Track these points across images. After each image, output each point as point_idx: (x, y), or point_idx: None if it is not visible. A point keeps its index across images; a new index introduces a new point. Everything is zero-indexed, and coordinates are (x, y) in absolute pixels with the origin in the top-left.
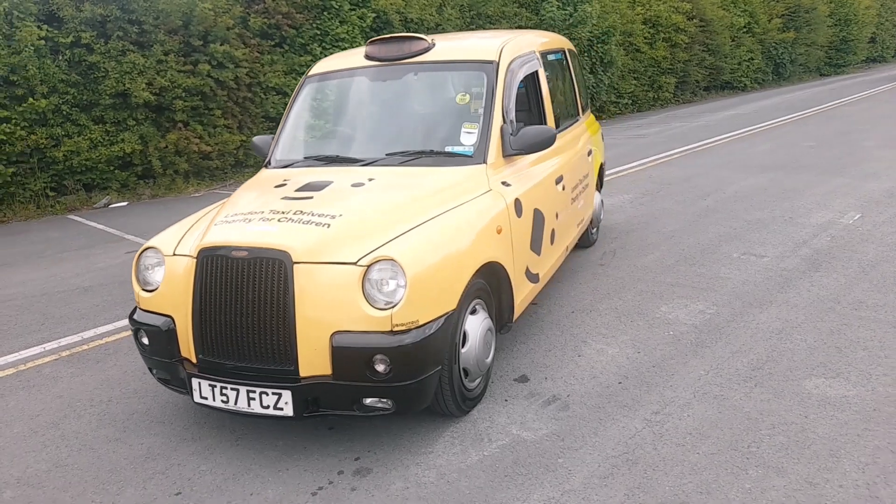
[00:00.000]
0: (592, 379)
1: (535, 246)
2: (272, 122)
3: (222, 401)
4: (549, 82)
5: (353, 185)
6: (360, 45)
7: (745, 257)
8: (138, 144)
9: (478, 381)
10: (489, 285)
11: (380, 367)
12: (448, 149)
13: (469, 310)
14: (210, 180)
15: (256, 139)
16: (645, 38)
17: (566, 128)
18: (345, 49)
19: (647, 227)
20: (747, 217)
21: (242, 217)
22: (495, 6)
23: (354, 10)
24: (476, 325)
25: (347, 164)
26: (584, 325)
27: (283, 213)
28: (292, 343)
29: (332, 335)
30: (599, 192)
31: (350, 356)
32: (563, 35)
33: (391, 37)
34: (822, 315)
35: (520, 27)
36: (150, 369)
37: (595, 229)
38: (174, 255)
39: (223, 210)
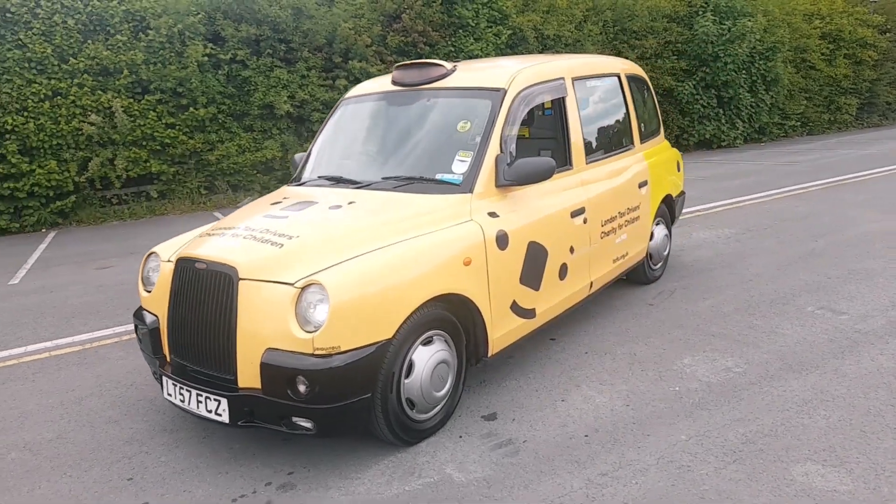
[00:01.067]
0: (561, 427)
1: (530, 280)
2: None
3: (180, 399)
4: (581, 110)
5: (331, 208)
6: None
7: (820, 312)
8: (279, 151)
9: (431, 413)
10: (458, 317)
11: (301, 388)
12: (438, 176)
13: (421, 340)
14: None
15: (296, 156)
16: (822, 54)
17: (603, 158)
18: None
19: (728, 267)
20: (853, 266)
21: (222, 231)
22: (642, 21)
23: (491, 27)
24: (425, 356)
25: (347, 185)
26: (589, 367)
27: (253, 230)
28: (233, 354)
29: (264, 351)
30: (667, 225)
31: (275, 374)
32: (719, 51)
33: (413, 62)
34: (868, 391)
35: (668, 42)
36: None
37: (659, 265)
38: (167, 260)
39: (218, 222)
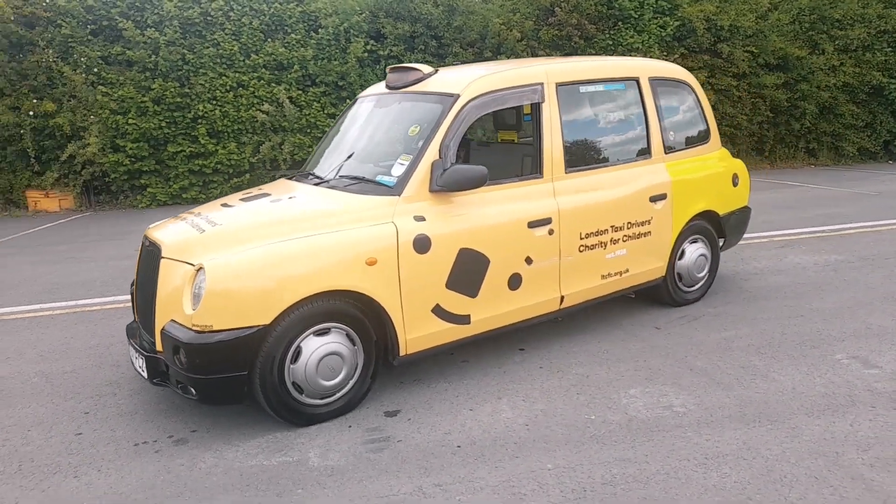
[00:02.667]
0: (443, 434)
1: (464, 286)
2: None
3: (132, 358)
4: (565, 116)
5: (272, 201)
6: (654, 55)
7: (848, 361)
8: None
9: (327, 399)
10: (367, 314)
11: (182, 358)
12: (377, 178)
13: (314, 330)
14: None
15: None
16: None
17: (595, 167)
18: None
19: (794, 298)
20: None
21: (184, 216)
22: (848, 7)
23: (657, 18)
24: (314, 346)
25: (313, 180)
26: (528, 382)
27: (200, 217)
28: (153, 321)
29: (168, 321)
30: (711, 244)
31: (167, 342)
32: None
33: (399, 66)
34: (804, 458)
35: (882, 32)
36: None
37: (695, 287)
38: None
39: (192, 209)
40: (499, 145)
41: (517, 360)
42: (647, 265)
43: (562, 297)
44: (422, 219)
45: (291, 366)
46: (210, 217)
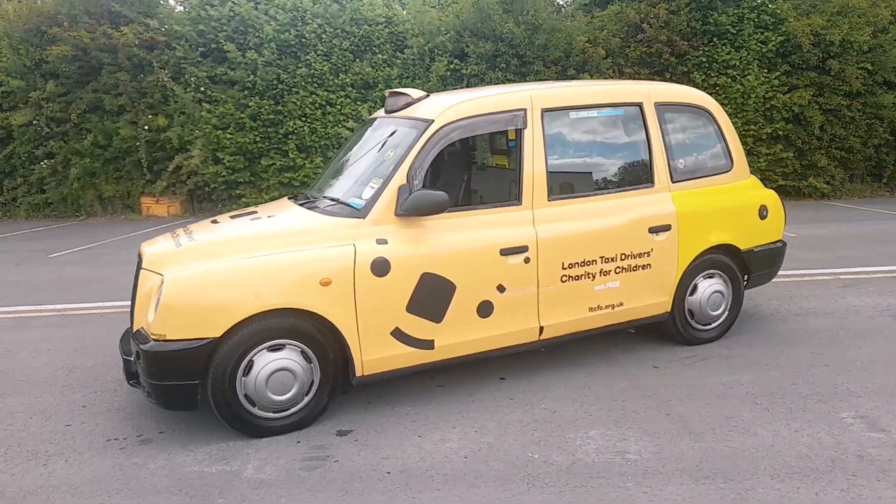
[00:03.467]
0: (381, 459)
1: (426, 311)
2: None
3: None
4: (551, 143)
5: (252, 220)
6: (753, 73)
7: (853, 422)
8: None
9: (280, 414)
10: (323, 333)
11: (141, 364)
12: (349, 200)
13: (268, 346)
14: None
15: None
16: None
17: (585, 195)
18: (732, 76)
19: (828, 345)
20: None
21: (177, 232)
22: None
23: (758, 33)
24: (265, 361)
25: (301, 200)
26: (489, 413)
27: (188, 231)
28: (132, 327)
29: (139, 328)
30: (731, 280)
31: (134, 347)
32: None
33: (395, 91)
34: None
35: None
36: None
37: (711, 326)
38: None
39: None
40: (493, 170)
41: (492, 388)
42: (646, 299)
43: (541, 328)
44: (384, 242)
45: (243, 378)
46: (194, 233)
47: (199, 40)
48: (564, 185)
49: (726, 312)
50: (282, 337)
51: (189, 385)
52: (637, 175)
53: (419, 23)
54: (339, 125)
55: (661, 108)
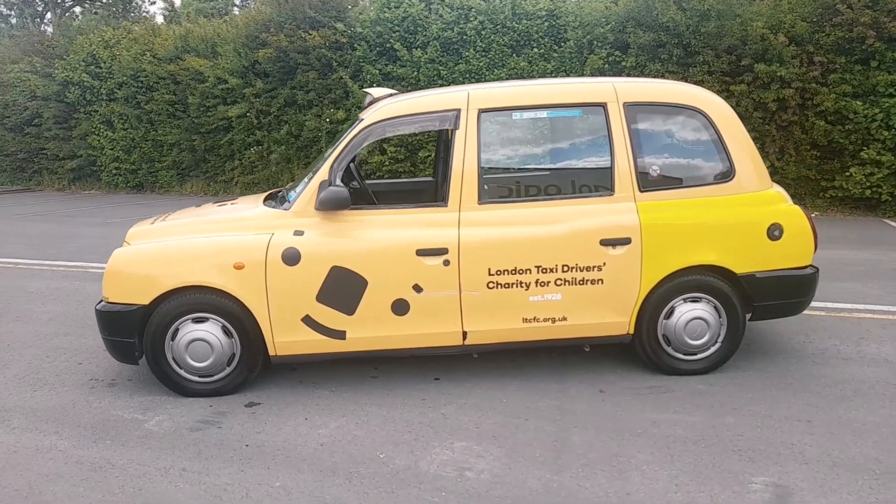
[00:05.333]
0: (254, 434)
1: (337, 303)
2: (820, 151)
3: None
4: (487, 144)
5: (219, 206)
6: None
7: (761, 489)
8: None
9: (205, 378)
10: (243, 312)
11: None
12: (289, 194)
13: (193, 317)
14: None
15: None
16: None
17: (525, 200)
18: None
19: (815, 394)
20: None
21: (166, 214)
22: None
23: None
24: (187, 330)
25: (274, 192)
26: (387, 409)
27: (172, 213)
28: None
29: None
30: (726, 306)
31: None
32: None
33: (366, 91)
34: None
35: None
36: None
37: (695, 357)
38: None
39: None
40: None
41: (419, 386)
42: (597, 317)
43: (465, 333)
44: (300, 233)
45: (171, 342)
46: (172, 215)
47: (376, 41)
48: (502, 188)
49: (717, 344)
50: (206, 311)
51: (127, 342)
52: (593, 182)
53: (581, 14)
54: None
55: (633, 108)
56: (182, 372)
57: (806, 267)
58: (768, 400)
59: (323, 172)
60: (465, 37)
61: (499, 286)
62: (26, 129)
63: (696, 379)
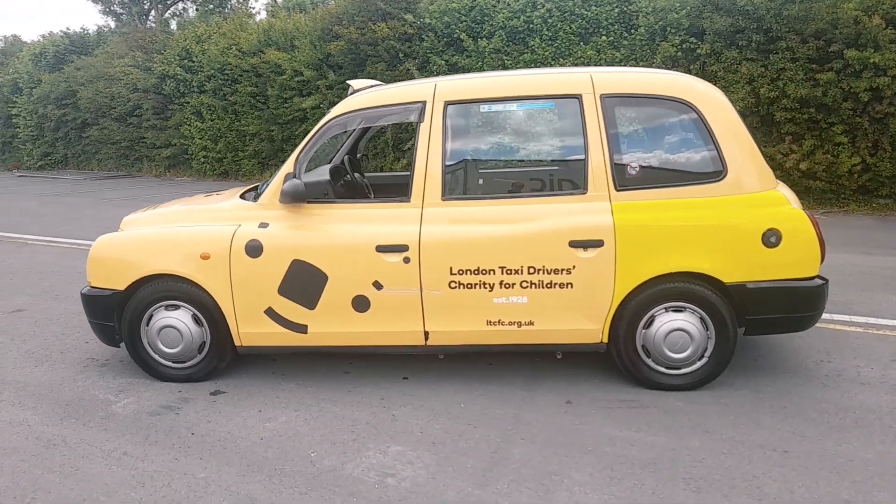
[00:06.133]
0: (204, 423)
1: (298, 296)
2: None
3: None
4: (450, 138)
5: (205, 197)
6: None
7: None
8: None
9: (178, 364)
10: (212, 301)
11: None
12: (262, 187)
13: (165, 304)
14: (805, 200)
15: None
16: None
17: (491, 198)
18: None
19: (810, 423)
20: None
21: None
22: None
23: None
24: (160, 317)
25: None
26: (343, 406)
27: (166, 202)
28: None
29: None
30: (712, 317)
31: None
32: None
33: (347, 83)
34: None
35: None
36: None
37: (680, 372)
38: None
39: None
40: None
41: (383, 385)
42: (567, 323)
43: (426, 333)
44: (265, 226)
45: (146, 328)
46: (164, 204)
47: (444, 31)
48: (467, 185)
49: (704, 359)
50: (178, 299)
51: (107, 325)
52: (566, 179)
53: (652, 0)
54: None
55: (611, 100)
56: (156, 357)
57: (811, 278)
58: (750, 424)
59: (288, 165)
60: (531, 25)
61: (461, 286)
62: (129, 119)
63: (677, 395)
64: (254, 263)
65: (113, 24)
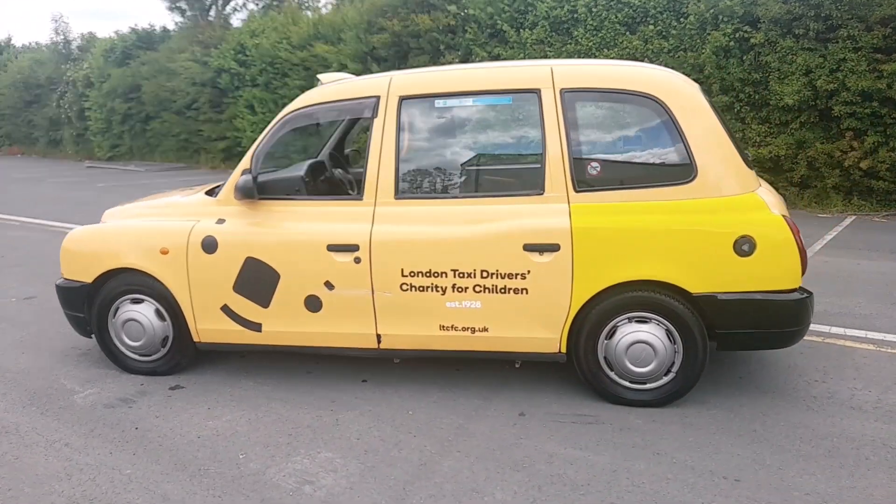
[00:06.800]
0: (152, 418)
1: (253, 294)
2: None
3: None
4: (404, 133)
5: (181, 192)
6: None
7: None
8: (789, 149)
9: (143, 357)
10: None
11: None
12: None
13: (130, 298)
14: (867, 201)
15: None
16: None
17: (444, 197)
18: None
19: (776, 450)
20: None
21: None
22: None
23: None
24: (124, 310)
25: None
26: (292, 407)
27: (151, 195)
28: None
29: None
30: (669, 329)
31: None
32: None
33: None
34: None
35: None
36: None
37: (646, 386)
38: None
39: None
40: None
41: (341, 386)
42: (522, 331)
43: (379, 336)
44: (222, 222)
45: (112, 320)
46: (147, 197)
47: (487, 22)
48: (421, 183)
49: (671, 374)
50: (142, 293)
51: (78, 317)
52: (522, 179)
53: None
54: None
55: (572, 94)
56: (123, 349)
57: (791, 291)
58: (708, 447)
59: (245, 161)
60: (575, 15)
61: (413, 289)
62: (187, 112)
63: (639, 412)
64: (209, 260)
65: (178, 20)
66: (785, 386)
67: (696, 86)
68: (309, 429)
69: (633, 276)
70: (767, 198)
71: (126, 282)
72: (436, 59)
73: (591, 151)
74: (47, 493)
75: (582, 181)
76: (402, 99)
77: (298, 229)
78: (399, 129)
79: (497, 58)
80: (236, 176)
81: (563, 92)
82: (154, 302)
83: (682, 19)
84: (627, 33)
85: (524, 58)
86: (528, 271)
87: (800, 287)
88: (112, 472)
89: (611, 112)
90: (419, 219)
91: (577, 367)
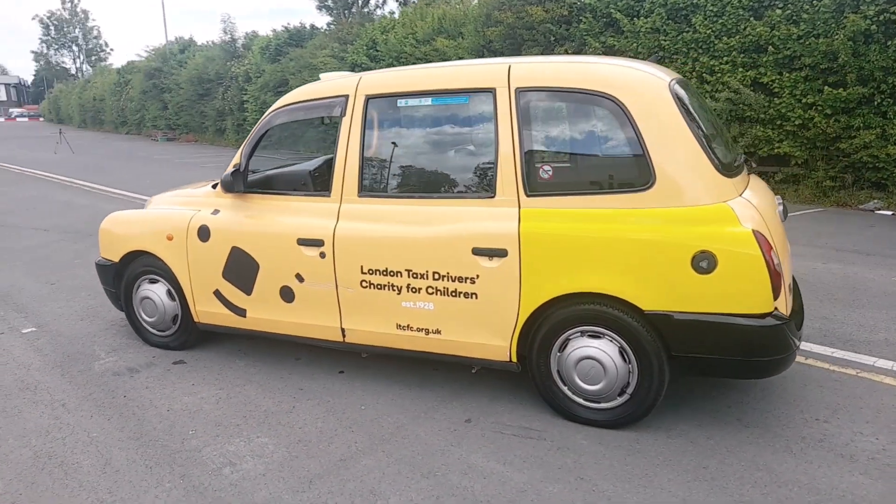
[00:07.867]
0: (143, 389)
1: (238, 281)
2: None
3: None
4: (371, 131)
5: (202, 184)
6: None
7: None
8: None
9: (161, 333)
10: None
11: None
12: None
13: (148, 278)
14: None
15: None
16: None
17: (402, 197)
18: None
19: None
20: None
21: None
22: None
23: None
24: (144, 288)
25: None
26: (265, 393)
27: (193, 184)
28: None
29: None
30: (623, 347)
31: None
32: None
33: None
34: None
35: None
36: None
37: (600, 405)
38: None
39: None
40: None
41: (316, 376)
42: (473, 336)
43: (343, 331)
44: (217, 212)
45: (134, 296)
46: (187, 187)
47: (603, 11)
48: (382, 182)
49: (626, 395)
50: (157, 275)
51: (111, 291)
52: (475, 181)
53: None
54: (710, 96)
55: (527, 94)
56: (143, 324)
57: (763, 316)
58: (640, 479)
59: (236, 157)
60: (694, 1)
61: (372, 286)
62: None
63: (588, 432)
64: (203, 247)
65: (328, 19)
66: (776, 422)
67: (663, 84)
68: (264, 413)
69: (581, 287)
70: (742, 210)
71: (145, 263)
72: (548, 50)
73: (545, 154)
74: (22, 445)
75: (533, 185)
76: (369, 98)
77: (274, 222)
78: (364, 128)
79: (610, 49)
80: (229, 171)
81: (518, 91)
82: (166, 283)
83: (815, 1)
84: (752, 19)
85: (637, 48)
86: (477, 276)
87: (773, 312)
88: (81, 434)
89: (567, 113)
90: (378, 217)
91: (532, 379)
